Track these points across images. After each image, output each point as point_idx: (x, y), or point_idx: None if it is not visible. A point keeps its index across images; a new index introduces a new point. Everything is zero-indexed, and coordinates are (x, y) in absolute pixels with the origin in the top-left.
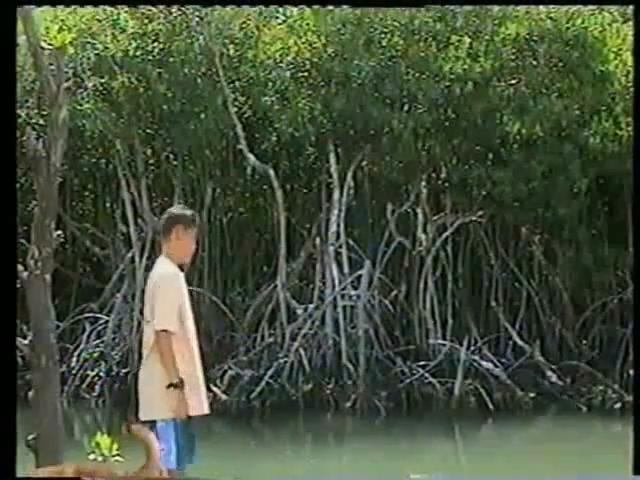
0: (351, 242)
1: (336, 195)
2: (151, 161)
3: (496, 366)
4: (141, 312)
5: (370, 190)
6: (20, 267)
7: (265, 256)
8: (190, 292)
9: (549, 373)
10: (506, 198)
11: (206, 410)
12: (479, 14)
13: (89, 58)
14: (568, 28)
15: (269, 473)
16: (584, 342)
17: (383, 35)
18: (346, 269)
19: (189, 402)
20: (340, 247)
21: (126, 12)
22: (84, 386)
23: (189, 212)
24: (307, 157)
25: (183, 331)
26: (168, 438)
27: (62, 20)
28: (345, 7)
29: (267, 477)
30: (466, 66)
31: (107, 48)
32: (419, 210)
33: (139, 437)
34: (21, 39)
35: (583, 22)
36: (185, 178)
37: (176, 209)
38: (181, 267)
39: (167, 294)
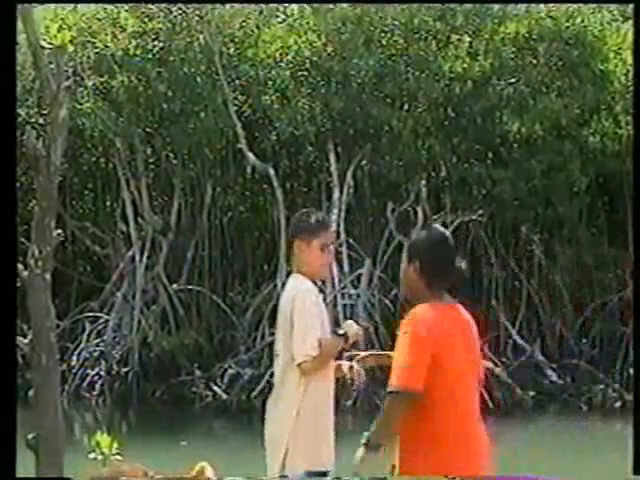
0: (351, 241)
1: (336, 194)
2: (151, 160)
3: (496, 365)
4: (141, 311)
5: (370, 189)
6: (20, 266)
7: (265, 255)
8: (190, 291)
9: (549, 372)
10: (506, 197)
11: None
12: (479, 13)
13: (89, 57)
14: (568, 27)
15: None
16: (584, 341)
17: (383, 34)
18: (346, 268)
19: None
20: (340, 246)
21: (126, 11)
22: (84, 385)
23: (314, 219)
24: (307, 156)
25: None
26: None
27: (62, 19)
28: (345, 6)
29: (267, 476)
30: (466, 65)
31: (107, 47)
32: (419, 209)
33: None
34: (21, 38)
35: (583, 21)
36: (185, 177)
37: (297, 215)
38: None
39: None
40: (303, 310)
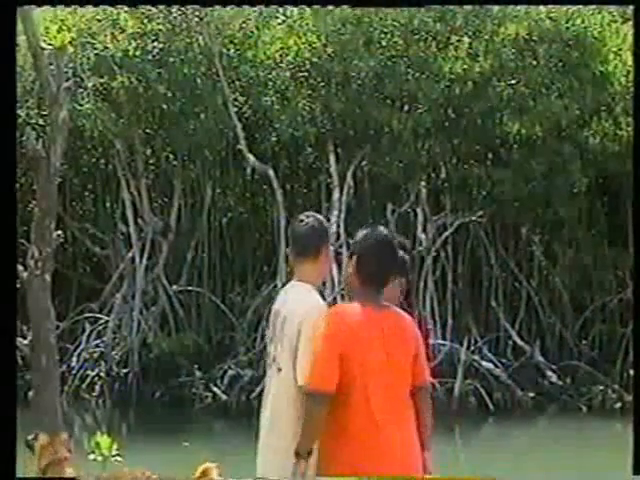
0: (351, 242)
1: (336, 195)
2: (151, 161)
3: (496, 366)
4: (140, 312)
5: (370, 190)
6: (20, 267)
7: (265, 256)
8: (190, 292)
9: (549, 373)
10: (506, 198)
11: None
12: (479, 14)
13: (89, 58)
14: (568, 28)
15: None
16: (584, 342)
17: (383, 35)
18: None
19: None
20: (340, 247)
21: (126, 12)
22: (84, 386)
23: (324, 223)
24: (307, 157)
25: None
26: None
27: (62, 20)
28: (345, 7)
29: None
30: (466, 66)
31: (107, 48)
32: (419, 210)
33: None
34: (21, 39)
35: (583, 22)
36: (185, 178)
37: (317, 220)
38: None
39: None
40: (313, 331)
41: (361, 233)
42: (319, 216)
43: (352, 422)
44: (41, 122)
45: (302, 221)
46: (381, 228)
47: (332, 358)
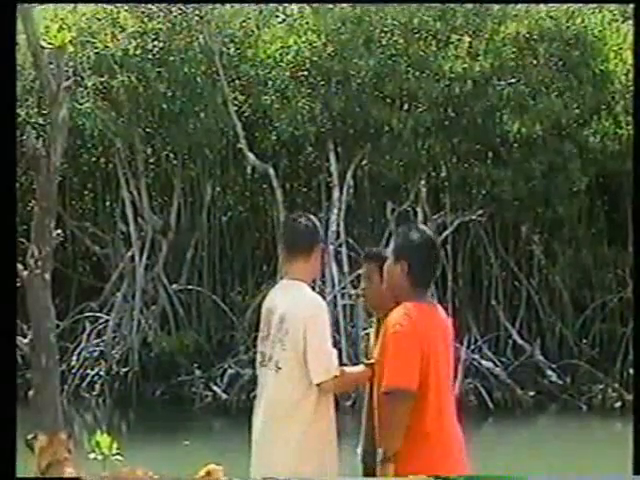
0: (351, 241)
1: (336, 194)
2: (151, 160)
3: (496, 365)
4: (141, 311)
5: (370, 189)
6: (20, 266)
7: (265, 255)
8: (190, 291)
9: (549, 372)
10: (506, 197)
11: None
12: (479, 13)
13: (89, 57)
14: (568, 27)
15: None
16: (584, 341)
17: (383, 34)
18: (346, 268)
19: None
20: (340, 246)
21: (126, 11)
22: (84, 385)
23: (316, 223)
24: (307, 156)
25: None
26: None
27: (62, 19)
28: (345, 5)
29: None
30: (466, 65)
31: (107, 47)
32: (419, 209)
33: None
34: (21, 38)
35: (583, 21)
36: (185, 177)
37: (310, 220)
38: None
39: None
40: (321, 328)
41: (408, 237)
42: (311, 216)
43: (429, 421)
44: (41, 121)
45: (295, 220)
46: (424, 228)
47: (413, 356)
